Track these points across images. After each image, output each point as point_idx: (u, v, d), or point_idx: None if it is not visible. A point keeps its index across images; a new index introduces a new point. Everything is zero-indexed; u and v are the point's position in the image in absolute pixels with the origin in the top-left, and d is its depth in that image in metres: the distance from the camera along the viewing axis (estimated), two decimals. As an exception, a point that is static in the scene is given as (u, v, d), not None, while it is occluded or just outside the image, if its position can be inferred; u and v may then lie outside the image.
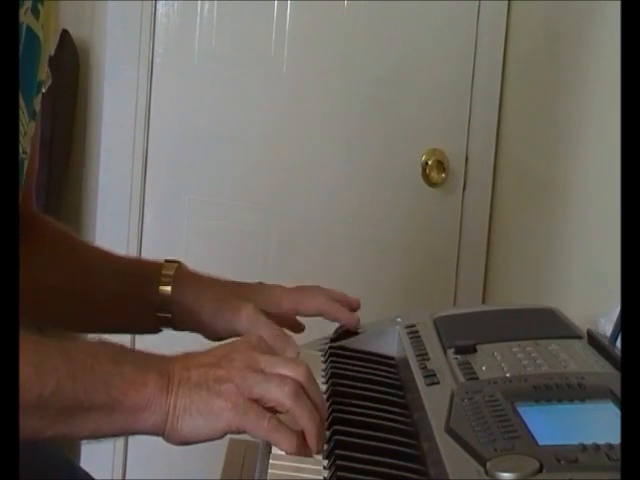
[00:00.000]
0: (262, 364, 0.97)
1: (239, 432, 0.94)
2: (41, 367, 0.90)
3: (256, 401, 0.94)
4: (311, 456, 0.94)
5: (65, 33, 2.59)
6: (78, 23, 2.66)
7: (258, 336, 1.03)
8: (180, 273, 1.27)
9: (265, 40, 2.66)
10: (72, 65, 2.67)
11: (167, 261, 1.28)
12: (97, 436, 0.95)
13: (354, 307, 1.28)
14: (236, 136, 2.70)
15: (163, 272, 1.26)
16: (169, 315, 1.25)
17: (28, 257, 1.15)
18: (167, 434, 0.94)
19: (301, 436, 0.94)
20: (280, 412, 0.95)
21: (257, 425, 0.93)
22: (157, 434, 0.95)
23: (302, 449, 0.93)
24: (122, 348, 0.97)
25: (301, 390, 0.95)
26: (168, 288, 1.25)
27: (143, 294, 1.25)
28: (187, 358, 0.98)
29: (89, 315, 1.29)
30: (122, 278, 1.28)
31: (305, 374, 0.96)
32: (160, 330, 1.28)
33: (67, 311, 1.28)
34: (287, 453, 0.93)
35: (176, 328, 1.27)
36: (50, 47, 1.15)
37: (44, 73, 1.15)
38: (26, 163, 1.15)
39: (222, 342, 1.10)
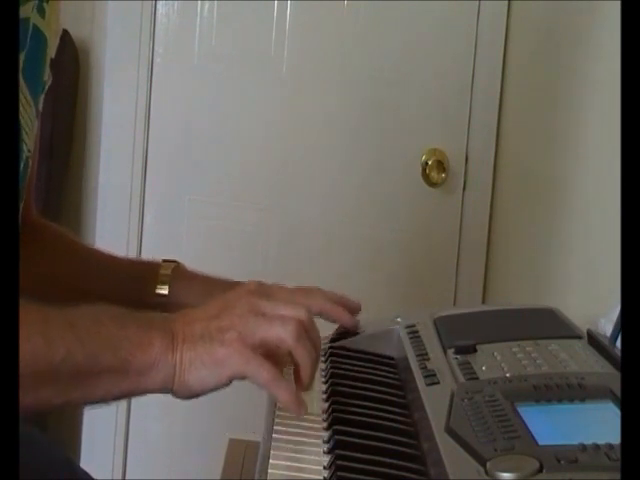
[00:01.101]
0: (263, 308, 1.00)
1: (243, 378, 0.97)
2: (49, 335, 0.92)
3: (260, 344, 0.97)
4: (300, 414, 0.98)
5: (65, 33, 2.59)
6: (78, 23, 2.66)
7: (256, 282, 1.05)
8: (177, 272, 1.27)
9: (265, 40, 2.66)
10: (72, 65, 2.68)
11: (165, 261, 1.29)
12: (108, 399, 0.97)
13: (354, 310, 1.27)
14: (236, 136, 2.70)
15: (161, 272, 1.27)
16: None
17: (27, 259, 1.15)
18: (175, 389, 0.96)
19: (298, 392, 0.98)
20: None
21: (257, 374, 0.96)
22: (166, 391, 0.97)
23: (297, 404, 0.97)
24: (124, 310, 0.99)
25: (303, 329, 0.99)
26: (165, 287, 1.26)
27: (141, 294, 1.26)
28: (188, 314, 1.01)
29: None
30: (120, 279, 1.29)
31: (305, 314, 1.00)
32: None
33: None
34: (282, 404, 0.97)
35: None
36: (52, 50, 1.15)
37: (47, 73, 1.15)
38: (30, 161, 1.15)
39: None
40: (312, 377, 1.00)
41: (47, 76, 1.17)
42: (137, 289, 1.26)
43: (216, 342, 0.96)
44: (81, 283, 1.29)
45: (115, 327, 0.96)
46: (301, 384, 1.00)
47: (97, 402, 0.98)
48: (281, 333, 0.98)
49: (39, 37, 1.09)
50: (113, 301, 1.26)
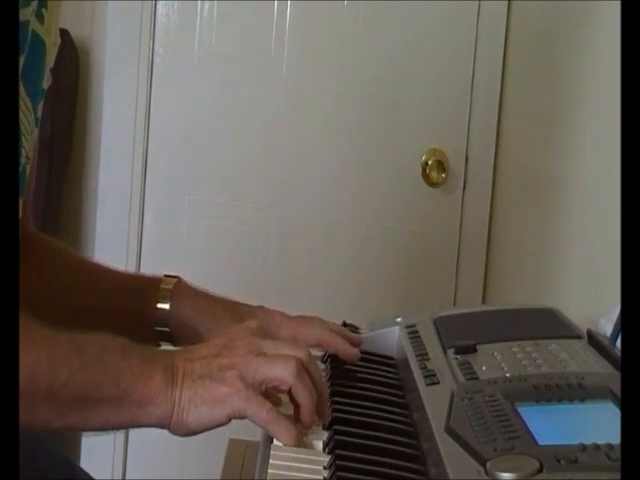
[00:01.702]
0: (264, 348, 1.01)
1: (242, 417, 0.97)
2: (53, 358, 0.93)
3: (260, 383, 0.97)
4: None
5: (65, 33, 2.59)
6: (78, 23, 2.66)
7: (257, 322, 1.06)
8: (178, 288, 1.26)
9: (265, 40, 2.66)
10: (72, 65, 2.67)
11: (167, 276, 1.28)
12: (105, 428, 0.98)
13: (355, 343, 1.24)
14: (236, 136, 2.70)
15: (162, 287, 1.26)
16: (167, 329, 1.25)
17: (25, 274, 1.14)
18: (172, 426, 0.97)
19: (297, 429, 0.97)
20: (282, 391, 1.01)
21: (257, 413, 0.96)
22: (163, 427, 0.98)
23: (297, 444, 0.97)
24: (128, 342, 0.99)
25: (303, 368, 0.99)
26: (167, 302, 1.25)
27: (142, 309, 1.25)
28: (190, 351, 1.02)
29: (86, 330, 1.28)
30: (121, 293, 1.28)
31: (306, 354, 1.01)
32: (159, 345, 1.27)
33: (64, 326, 1.27)
34: (283, 443, 0.97)
35: (175, 343, 1.26)
36: (51, 59, 1.15)
37: (45, 80, 1.14)
38: (28, 168, 1.14)
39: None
40: (313, 416, 1.00)
41: (45, 83, 1.16)
42: (137, 303, 1.25)
43: (216, 380, 0.97)
44: (80, 298, 1.28)
45: (119, 357, 0.97)
46: (301, 423, 1.00)
47: (96, 429, 0.99)
48: (281, 373, 0.98)
49: (38, 43, 1.08)
50: (112, 314, 1.26)
